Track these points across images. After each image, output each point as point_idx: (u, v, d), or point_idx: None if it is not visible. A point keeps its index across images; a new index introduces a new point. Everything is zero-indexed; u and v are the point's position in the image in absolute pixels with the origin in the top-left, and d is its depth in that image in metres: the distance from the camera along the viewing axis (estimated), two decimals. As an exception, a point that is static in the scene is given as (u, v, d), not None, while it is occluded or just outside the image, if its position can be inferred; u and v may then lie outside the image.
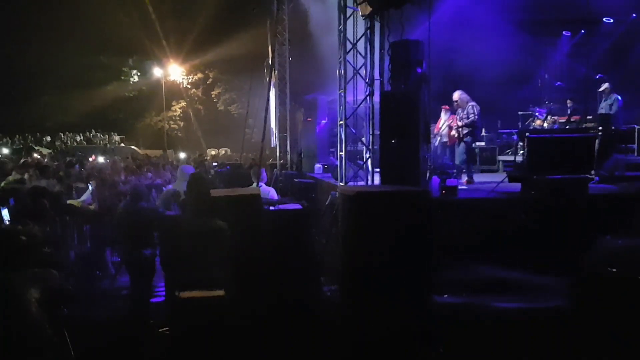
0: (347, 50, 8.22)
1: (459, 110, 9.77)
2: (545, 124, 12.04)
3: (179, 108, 45.49)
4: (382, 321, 4.93)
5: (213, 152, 34.60)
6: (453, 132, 9.89)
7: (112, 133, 41.00)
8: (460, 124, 9.71)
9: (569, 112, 11.92)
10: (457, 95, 9.77)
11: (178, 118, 45.56)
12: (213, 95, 45.71)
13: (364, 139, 8.81)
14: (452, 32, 10.81)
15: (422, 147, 7.21)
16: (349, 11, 8.24)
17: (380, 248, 4.92)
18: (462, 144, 9.70)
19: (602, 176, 8.65)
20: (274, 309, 5.12)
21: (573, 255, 5.24)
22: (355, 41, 8.31)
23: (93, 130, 40.43)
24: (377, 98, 8.05)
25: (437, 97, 9.67)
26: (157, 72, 41.50)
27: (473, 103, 9.59)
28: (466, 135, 9.60)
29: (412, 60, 7.26)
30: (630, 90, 11.13)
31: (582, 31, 14.26)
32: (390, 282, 4.87)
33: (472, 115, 9.48)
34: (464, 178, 9.44)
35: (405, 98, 7.12)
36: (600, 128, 9.66)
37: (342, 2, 8.18)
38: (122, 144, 39.16)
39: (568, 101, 12.31)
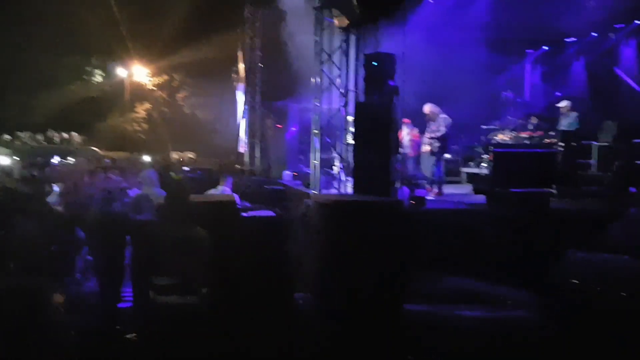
0: (323, 61, 8.32)
1: (430, 123, 9.70)
2: (507, 138, 12.25)
3: (144, 110, 44.63)
4: (354, 327, 5.02)
5: (176, 156, 34.05)
6: (426, 147, 9.82)
7: (74, 134, 39.90)
8: (431, 136, 9.63)
9: (531, 127, 12.18)
10: (427, 108, 9.71)
11: (142, 120, 44.69)
12: (179, 99, 45.06)
13: (336, 147, 8.92)
14: (421, 49, 10.99)
15: (393, 158, 7.37)
16: (325, 23, 8.35)
17: (356, 256, 5.02)
18: (433, 157, 9.67)
19: (563, 191, 8.97)
20: (249, 316, 5.14)
21: (536, 267, 5.47)
22: (330, 52, 8.42)
23: (51, 130, 39.26)
24: (351, 109, 8.18)
25: (403, 111, 9.77)
26: (121, 72, 40.69)
27: (444, 116, 9.60)
28: (438, 148, 9.59)
29: (385, 72, 7.43)
30: (589, 108, 11.59)
31: (545, 49, 14.79)
32: (364, 289, 4.98)
33: (444, 128, 9.50)
34: (434, 189, 9.60)
35: (378, 109, 7.27)
36: (562, 144, 10.01)
37: (318, 14, 8.28)
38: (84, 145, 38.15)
39: (533, 118, 12.47)
